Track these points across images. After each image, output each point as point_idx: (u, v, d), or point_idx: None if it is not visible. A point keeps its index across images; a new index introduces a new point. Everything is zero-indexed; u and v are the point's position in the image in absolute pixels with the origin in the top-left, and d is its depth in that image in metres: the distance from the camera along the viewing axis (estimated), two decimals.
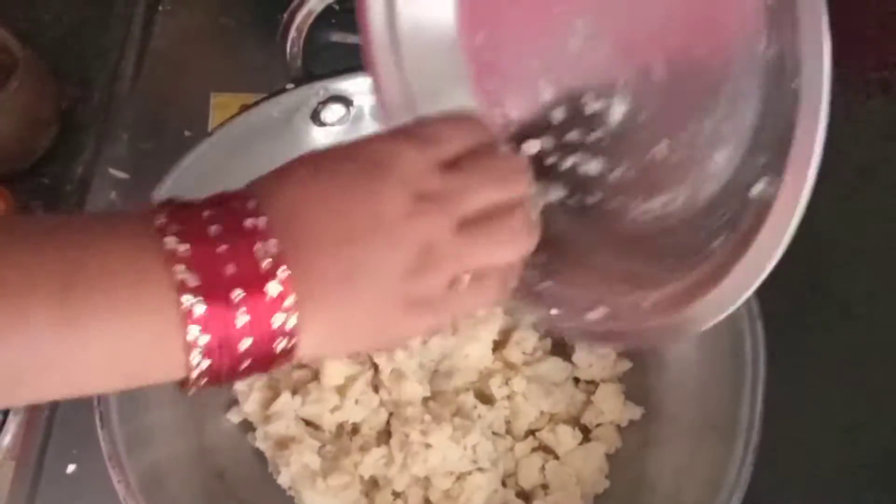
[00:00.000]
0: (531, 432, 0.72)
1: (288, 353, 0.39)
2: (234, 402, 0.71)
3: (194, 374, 0.38)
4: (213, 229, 0.37)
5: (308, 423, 0.70)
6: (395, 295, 0.41)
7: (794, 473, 0.80)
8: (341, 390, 0.69)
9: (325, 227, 0.40)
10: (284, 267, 0.38)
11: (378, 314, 0.42)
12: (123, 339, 0.36)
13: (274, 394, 0.70)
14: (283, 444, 0.68)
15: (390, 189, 0.41)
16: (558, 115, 0.56)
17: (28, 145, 0.83)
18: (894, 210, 0.78)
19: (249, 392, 0.70)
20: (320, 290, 0.39)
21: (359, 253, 0.40)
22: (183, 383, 0.39)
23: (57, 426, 0.74)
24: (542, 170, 0.55)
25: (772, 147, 0.43)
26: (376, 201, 0.41)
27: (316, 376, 0.70)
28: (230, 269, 0.37)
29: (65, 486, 0.72)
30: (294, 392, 0.70)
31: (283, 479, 0.68)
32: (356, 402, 0.69)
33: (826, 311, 0.83)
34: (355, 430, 0.70)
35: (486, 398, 0.71)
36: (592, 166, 0.54)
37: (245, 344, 0.37)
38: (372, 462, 0.68)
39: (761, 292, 0.63)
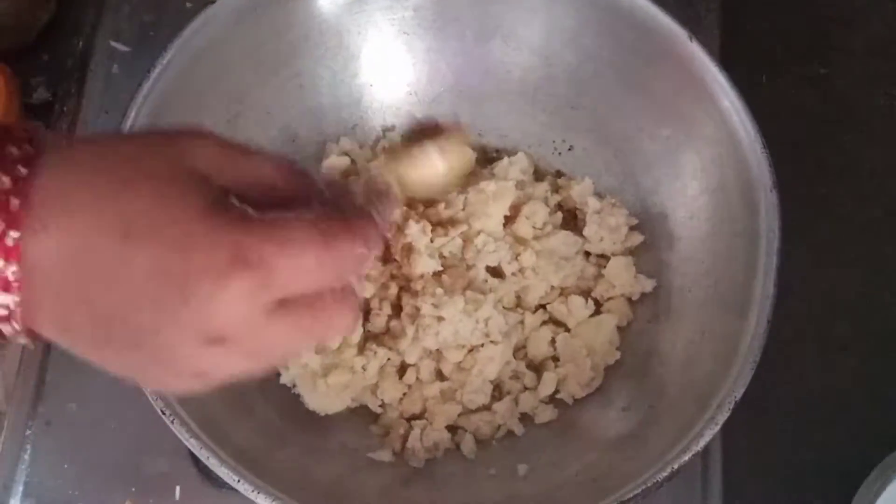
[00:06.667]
0: (541, 306, 0.71)
1: None
2: None
3: None
4: None
5: None
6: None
7: (801, 349, 0.80)
8: None
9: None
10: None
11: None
12: None
13: None
14: None
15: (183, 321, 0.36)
16: None
17: (26, 19, 0.81)
18: None
19: None
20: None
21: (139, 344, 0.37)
22: None
23: None
24: None
25: None
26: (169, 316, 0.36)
27: None
28: None
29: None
30: None
31: (286, 380, 0.68)
32: (365, 276, 0.68)
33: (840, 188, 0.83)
34: (364, 305, 0.69)
35: (496, 272, 0.70)
36: None
37: None
38: (379, 362, 0.68)
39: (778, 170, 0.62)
